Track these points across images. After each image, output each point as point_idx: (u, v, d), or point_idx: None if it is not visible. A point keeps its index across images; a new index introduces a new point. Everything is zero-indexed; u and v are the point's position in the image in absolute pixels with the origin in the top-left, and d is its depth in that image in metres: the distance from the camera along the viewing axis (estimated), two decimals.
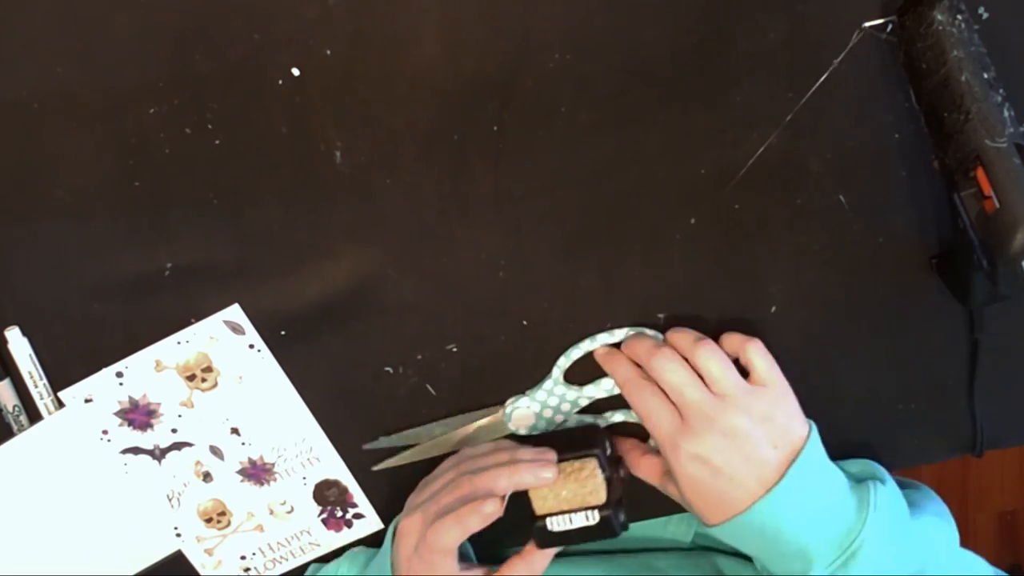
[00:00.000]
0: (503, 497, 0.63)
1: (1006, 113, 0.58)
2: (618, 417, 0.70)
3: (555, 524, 0.64)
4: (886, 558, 0.64)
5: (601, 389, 0.69)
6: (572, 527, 0.63)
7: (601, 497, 0.64)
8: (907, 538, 0.67)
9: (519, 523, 0.65)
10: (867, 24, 0.62)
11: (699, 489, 0.64)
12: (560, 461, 0.64)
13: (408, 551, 0.65)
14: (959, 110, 0.58)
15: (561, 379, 0.69)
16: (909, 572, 0.65)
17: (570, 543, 0.64)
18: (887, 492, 0.66)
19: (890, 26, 0.62)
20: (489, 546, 0.70)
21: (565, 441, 0.66)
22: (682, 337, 0.66)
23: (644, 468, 0.68)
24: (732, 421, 0.62)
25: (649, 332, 0.68)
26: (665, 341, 0.67)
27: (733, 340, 0.66)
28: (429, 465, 0.70)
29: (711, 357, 0.64)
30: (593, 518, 0.63)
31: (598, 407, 0.70)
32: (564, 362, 0.69)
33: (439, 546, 0.63)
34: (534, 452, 0.66)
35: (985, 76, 0.58)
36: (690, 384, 0.63)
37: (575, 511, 0.63)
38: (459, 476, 0.65)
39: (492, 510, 0.62)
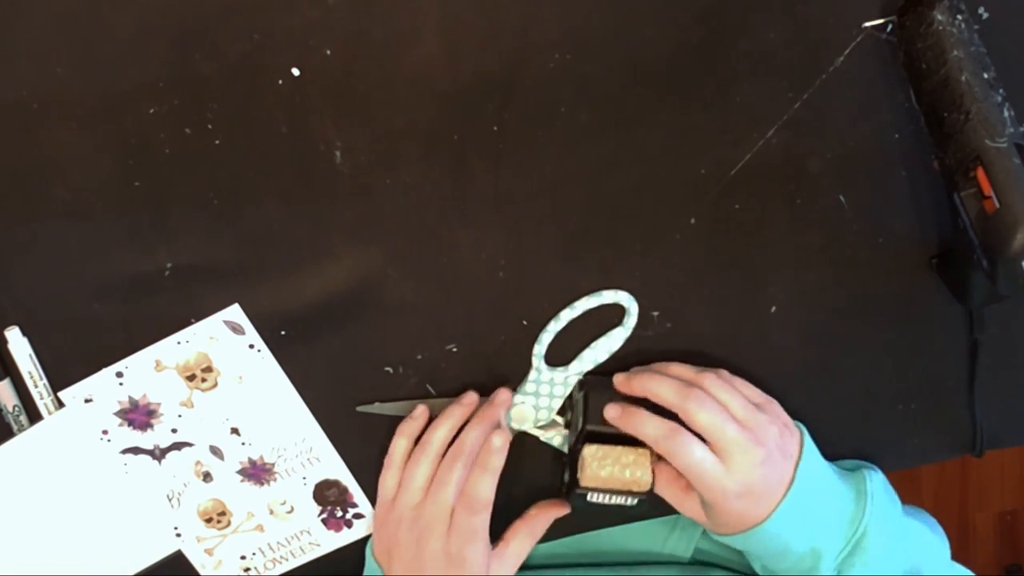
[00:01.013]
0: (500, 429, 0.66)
1: (1006, 113, 0.58)
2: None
3: (595, 497, 0.66)
4: (887, 547, 0.65)
5: (586, 362, 0.70)
6: (610, 503, 0.66)
7: (645, 486, 0.66)
8: (903, 529, 0.68)
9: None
10: (867, 24, 0.62)
11: (737, 515, 0.63)
12: (616, 444, 0.66)
13: (441, 535, 0.65)
14: (959, 110, 0.58)
15: (543, 366, 0.69)
16: (906, 567, 0.66)
17: (598, 516, 0.67)
18: (880, 479, 0.67)
19: (890, 26, 0.62)
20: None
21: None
22: (683, 370, 0.66)
23: (668, 492, 0.67)
24: (766, 446, 0.62)
25: (616, 341, 0.68)
26: (663, 370, 0.67)
27: (687, 372, 0.67)
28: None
29: (723, 387, 0.64)
30: (631, 501, 0.66)
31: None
32: (539, 349, 0.69)
33: (482, 499, 0.64)
34: (471, 395, 0.69)
35: (985, 76, 0.58)
36: (728, 420, 0.62)
37: (617, 492, 0.66)
38: (435, 456, 0.66)
39: (501, 441, 0.65)
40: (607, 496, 0.66)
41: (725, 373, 0.66)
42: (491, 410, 0.67)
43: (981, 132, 0.57)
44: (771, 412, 0.65)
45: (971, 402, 0.74)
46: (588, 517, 0.68)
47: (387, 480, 0.68)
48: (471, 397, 0.68)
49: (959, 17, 0.58)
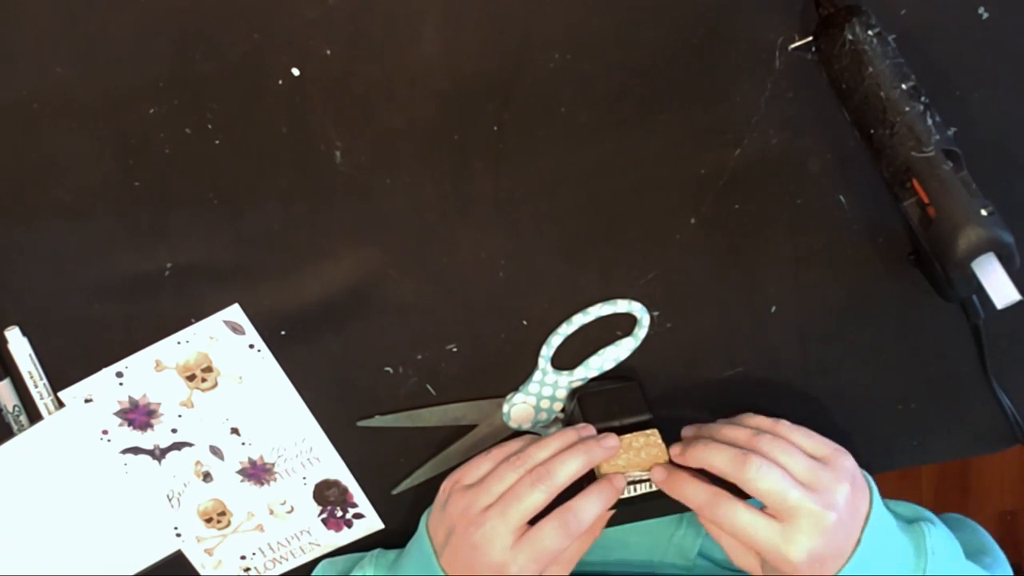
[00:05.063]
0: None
1: (930, 121, 0.58)
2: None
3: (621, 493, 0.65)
4: None
5: (591, 369, 0.70)
6: (635, 495, 0.65)
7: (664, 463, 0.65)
8: None
9: None
10: (791, 46, 0.62)
11: None
12: (623, 433, 0.65)
13: (502, 548, 0.61)
14: (884, 124, 0.58)
15: (549, 368, 0.69)
16: None
17: (630, 512, 0.64)
18: (940, 535, 0.64)
19: (814, 47, 0.62)
20: None
21: (612, 406, 0.67)
22: (738, 432, 0.62)
23: (723, 541, 0.64)
24: (835, 509, 0.59)
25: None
26: (718, 433, 0.63)
27: (764, 422, 0.64)
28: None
29: (782, 447, 0.60)
30: (655, 486, 0.65)
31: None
32: (547, 351, 0.69)
33: (548, 550, 0.60)
34: (588, 428, 0.65)
35: (904, 87, 0.58)
36: (790, 486, 0.59)
37: (640, 481, 0.65)
38: (528, 472, 0.62)
39: (600, 507, 0.61)
40: (631, 488, 0.65)
41: (784, 426, 0.63)
42: (597, 451, 0.63)
43: (908, 144, 0.58)
44: (838, 467, 0.61)
45: (990, 386, 0.73)
46: (616, 518, 0.67)
47: (479, 468, 0.64)
48: (588, 430, 0.65)
49: (870, 33, 0.58)
